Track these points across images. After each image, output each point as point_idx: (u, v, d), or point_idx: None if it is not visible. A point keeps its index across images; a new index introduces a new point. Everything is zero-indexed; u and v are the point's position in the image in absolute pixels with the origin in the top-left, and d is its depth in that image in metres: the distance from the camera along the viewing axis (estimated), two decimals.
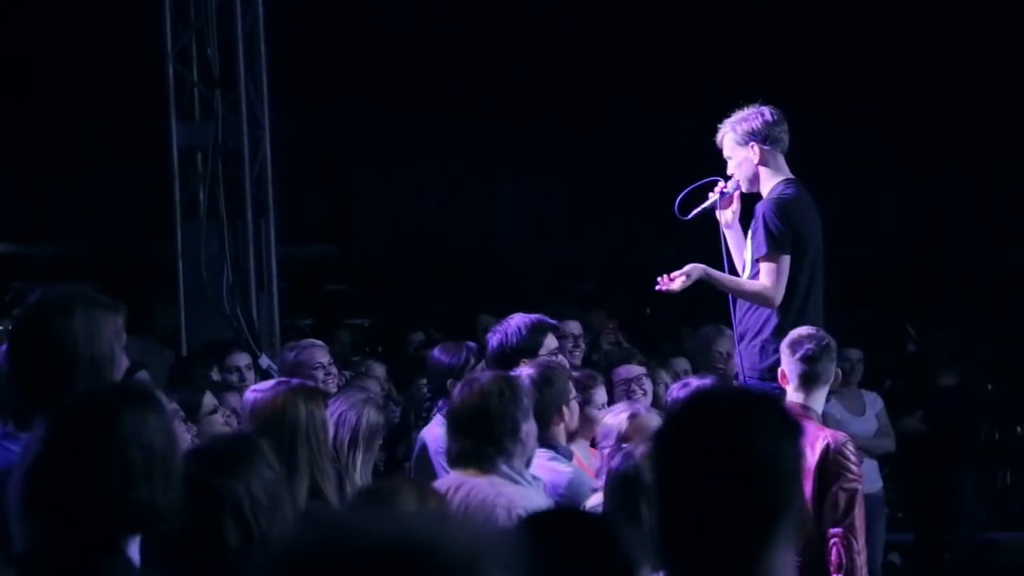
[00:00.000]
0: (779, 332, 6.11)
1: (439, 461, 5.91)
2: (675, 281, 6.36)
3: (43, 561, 3.13)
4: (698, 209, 6.56)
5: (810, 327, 5.77)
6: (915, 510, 10.21)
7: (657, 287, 6.43)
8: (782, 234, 6.34)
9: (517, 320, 6.16)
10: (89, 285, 3.89)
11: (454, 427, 4.87)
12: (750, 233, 6.46)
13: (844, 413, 9.25)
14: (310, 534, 1.59)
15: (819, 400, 5.61)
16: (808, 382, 5.56)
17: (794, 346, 5.60)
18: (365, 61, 15.12)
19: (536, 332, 6.11)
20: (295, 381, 5.18)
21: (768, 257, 6.35)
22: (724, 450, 2.31)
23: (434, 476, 5.82)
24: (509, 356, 6.00)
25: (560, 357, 6.13)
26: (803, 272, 6.43)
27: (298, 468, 4.70)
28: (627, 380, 7.10)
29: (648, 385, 7.12)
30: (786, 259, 6.34)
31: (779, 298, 6.34)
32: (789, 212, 6.38)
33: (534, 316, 6.22)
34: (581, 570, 2.58)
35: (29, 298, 3.86)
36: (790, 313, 6.33)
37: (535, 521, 2.81)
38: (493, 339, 6.15)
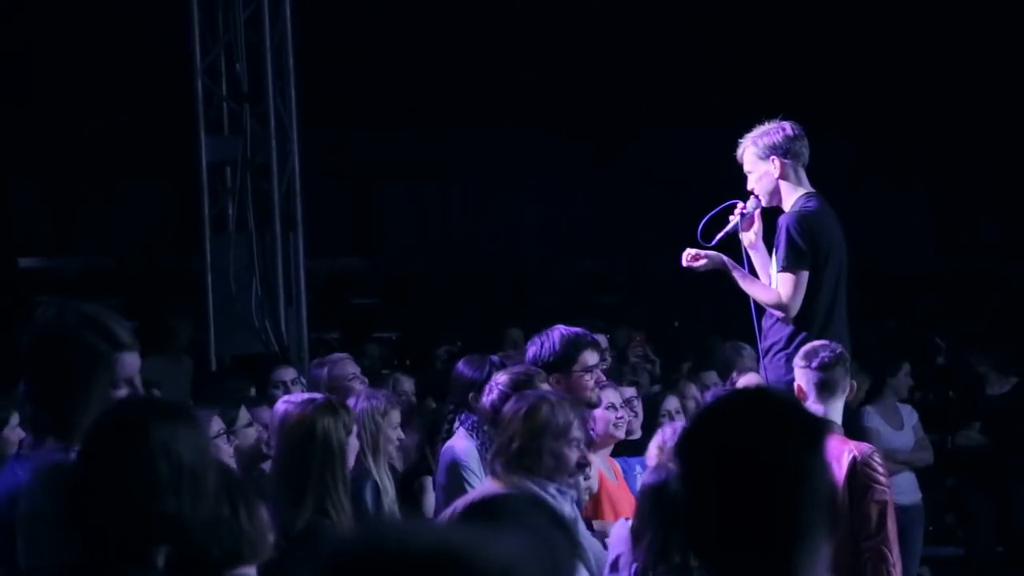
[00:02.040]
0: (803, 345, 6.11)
1: (460, 474, 5.93)
2: (698, 260, 6.46)
3: (74, 572, 3.15)
4: (721, 234, 6.57)
5: (823, 340, 5.78)
6: (964, 523, 10.15)
7: (683, 262, 6.52)
8: (803, 249, 6.34)
9: (556, 332, 6.04)
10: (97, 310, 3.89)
11: (496, 439, 4.99)
12: (775, 248, 6.47)
13: (885, 427, 9.27)
14: (351, 541, 1.61)
15: (837, 412, 5.59)
16: (825, 391, 5.55)
17: (808, 357, 5.61)
18: (391, 74, 15.16)
19: (572, 347, 5.98)
20: (320, 398, 5.20)
21: (787, 269, 6.36)
22: (743, 458, 2.32)
23: (463, 489, 5.84)
24: (542, 369, 5.95)
25: (597, 374, 6.05)
26: (826, 286, 6.42)
27: (304, 485, 4.73)
28: None
29: (638, 407, 7.06)
30: (805, 274, 6.34)
31: (794, 311, 6.35)
32: (811, 226, 6.38)
33: (575, 330, 6.09)
34: None
35: (39, 314, 3.86)
36: (814, 327, 6.32)
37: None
38: (530, 350, 6.07)
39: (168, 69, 10.73)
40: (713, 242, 6.53)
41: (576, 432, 4.90)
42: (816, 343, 5.71)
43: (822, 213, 6.47)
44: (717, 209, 6.56)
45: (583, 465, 4.94)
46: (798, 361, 5.64)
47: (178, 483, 3.11)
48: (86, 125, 14.06)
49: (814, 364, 5.56)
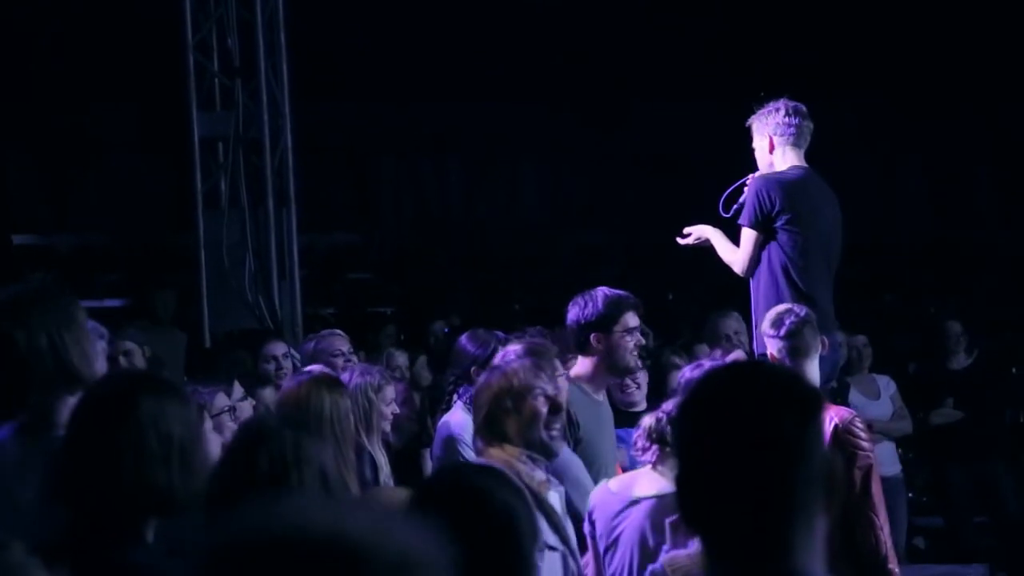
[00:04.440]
0: None
1: (455, 447, 5.94)
2: (688, 238, 6.61)
3: (64, 546, 3.14)
4: (735, 206, 6.67)
5: (785, 304, 5.80)
6: (942, 494, 10.18)
7: (679, 240, 6.66)
8: (759, 210, 6.40)
9: (600, 292, 6.03)
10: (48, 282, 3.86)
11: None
12: None
13: (860, 398, 9.26)
14: (241, 524, 1.57)
15: (813, 373, 5.62)
16: (796, 357, 5.59)
17: (776, 325, 5.63)
18: (385, 46, 15.11)
19: (613, 308, 5.96)
20: (316, 371, 5.19)
21: (746, 224, 6.46)
22: (738, 431, 2.31)
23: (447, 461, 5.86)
24: (583, 329, 5.94)
25: (637, 336, 6.02)
26: (810, 255, 6.44)
27: None
28: None
29: (643, 379, 7.10)
30: (754, 235, 6.41)
31: (742, 268, 6.43)
32: (778, 190, 6.43)
33: (618, 291, 6.09)
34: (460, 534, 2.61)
35: None
36: (796, 291, 6.35)
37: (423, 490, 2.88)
38: (572, 311, 6.06)
39: (160, 45, 10.69)
40: (729, 214, 6.62)
41: (541, 385, 4.93)
42: (780, 309, 5.73)
43: (802, 182, 6.51)
44: (735, 185, 6.66)
45: (555, 413, 4.96)
46: (766, 329, 5.67)
47: (168, 456, 3.13)
48: (79, 102, 14.03)
49: (781, 332, 5.60)
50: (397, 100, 15.53)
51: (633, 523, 5.12)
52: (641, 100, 16.02)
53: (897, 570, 5.60)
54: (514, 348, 5.72)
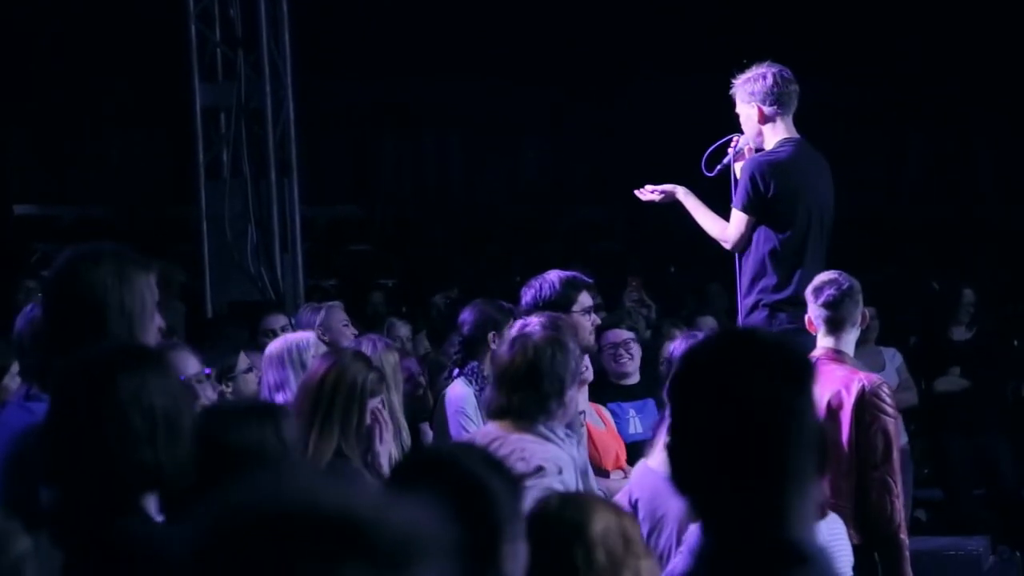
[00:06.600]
0: (772, 290, 6.29)
1: (457, 420, 5.94)
2: (654, 193, 6.56)
3: (60, 523, 3.13)
4: (719, 166, 6.63)
5: (833, 272, 5.81)
6: (942, 466, 10.21)
7: (639, 194, 6.61)
8: (753, 194, 6.38)
9: (552, 276, 6.08)
10: (118, 244, 3.86)
11: (501, 382, 4.81)
12: (736, 185, 6.54)
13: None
14: (252, 496, 1.57)
15: (850, 342, 5.69)
16: (834, 327, 5.65)
17: (816, 293, 5.68)
18: (388, 21, 15.09)
19: (569, 288, 6.03)
20: (351, 349, 5.22)
21: (738, 208, 6.44)
22: (731, 397, 2.32)
23: (459, 435, 5.86)
24: (541, 311, 5.97)
25: (593, 316, 6.10)
26: (798, 231, 6.43)
27: (331, 429, 4.75)
28: (614, 344, 7.11)
29: (636, 350, 7.12)
30: (750, 220, 6.40)
31: (733, 246, 6.44)
32: (773, 172, 6.39)
33: (569, 272, 6.16)
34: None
35: (59, 256, 3.81)
36: (783, 272, 6.35)
37: (411, 462, 2.85)
38: (527, 294, 6.09)
39: (162, 15, 10.67)
40: (713, 173, 6.59)
41: (577, 373, 4.89)
42: (824, 277, 5.77)
43: (793, 160, 6.45)
44: (719, 143, 6.62)
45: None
46: (808, 295, 5.73)
47: (152, 432, 3.07)
48: (80, 73, 14.00)
49: (820, 301, 5.67)
50: (399, 74, 15.51)
51: (679, 499, 5.02)
52: (642, 76, 16.01)
53: (907, 540, 5.62)
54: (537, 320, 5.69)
